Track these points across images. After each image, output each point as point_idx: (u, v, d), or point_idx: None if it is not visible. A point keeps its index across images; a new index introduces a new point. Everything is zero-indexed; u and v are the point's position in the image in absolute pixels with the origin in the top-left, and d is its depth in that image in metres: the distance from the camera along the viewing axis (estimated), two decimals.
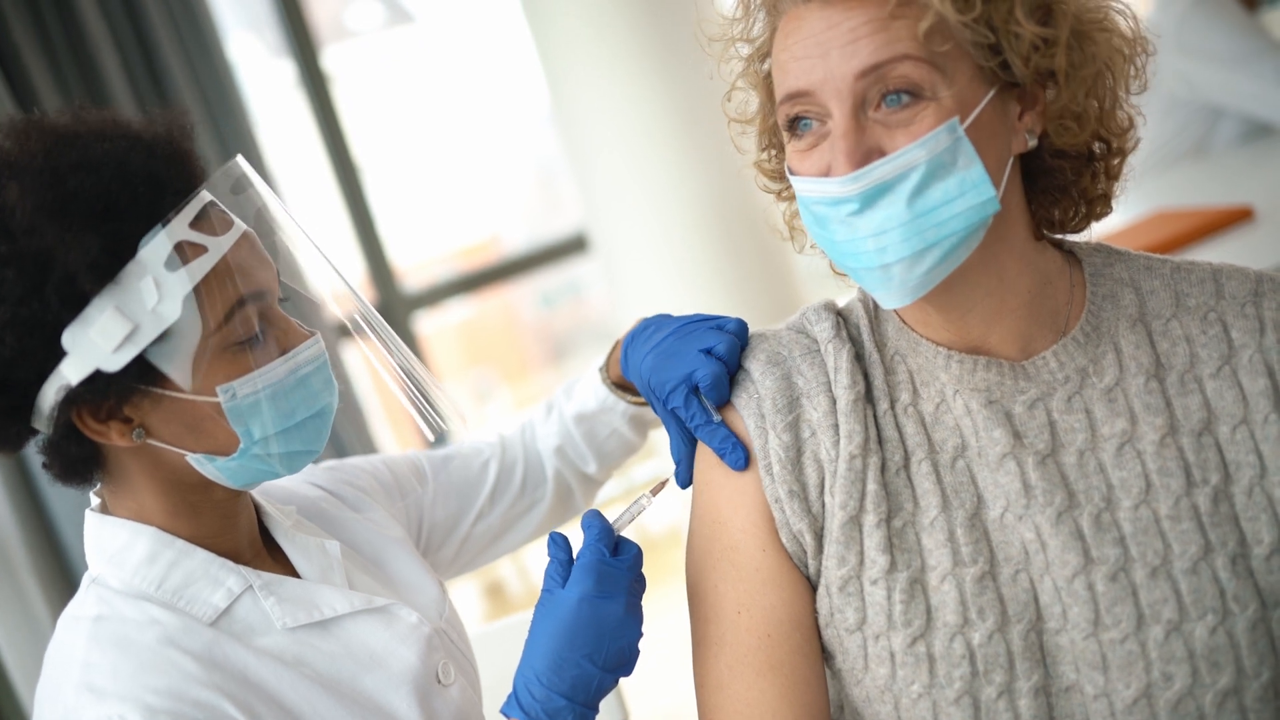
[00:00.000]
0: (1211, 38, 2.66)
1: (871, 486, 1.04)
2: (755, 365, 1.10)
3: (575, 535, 1.10)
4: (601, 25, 2.98)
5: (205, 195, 1.03)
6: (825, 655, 1.08)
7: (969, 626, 0.99)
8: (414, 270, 4.85)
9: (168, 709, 0.99)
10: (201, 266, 1.01)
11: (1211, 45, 2.66)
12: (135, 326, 0.98)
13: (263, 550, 1.16)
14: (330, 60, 3.88)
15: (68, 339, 0.98)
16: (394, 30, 5.75)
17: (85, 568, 1.11)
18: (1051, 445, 1.02)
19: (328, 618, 1.11)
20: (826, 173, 0.96)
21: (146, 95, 3.14)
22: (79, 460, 1.06)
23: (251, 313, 1.04)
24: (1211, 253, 2.14)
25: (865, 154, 0.94)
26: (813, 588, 1.07)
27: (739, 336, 1.13)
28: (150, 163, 1.01)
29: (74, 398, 1.00)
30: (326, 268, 1.14)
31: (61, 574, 2.70)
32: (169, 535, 1.08)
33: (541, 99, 3.76)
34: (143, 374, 1.01)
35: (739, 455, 1.08)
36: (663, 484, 1.16)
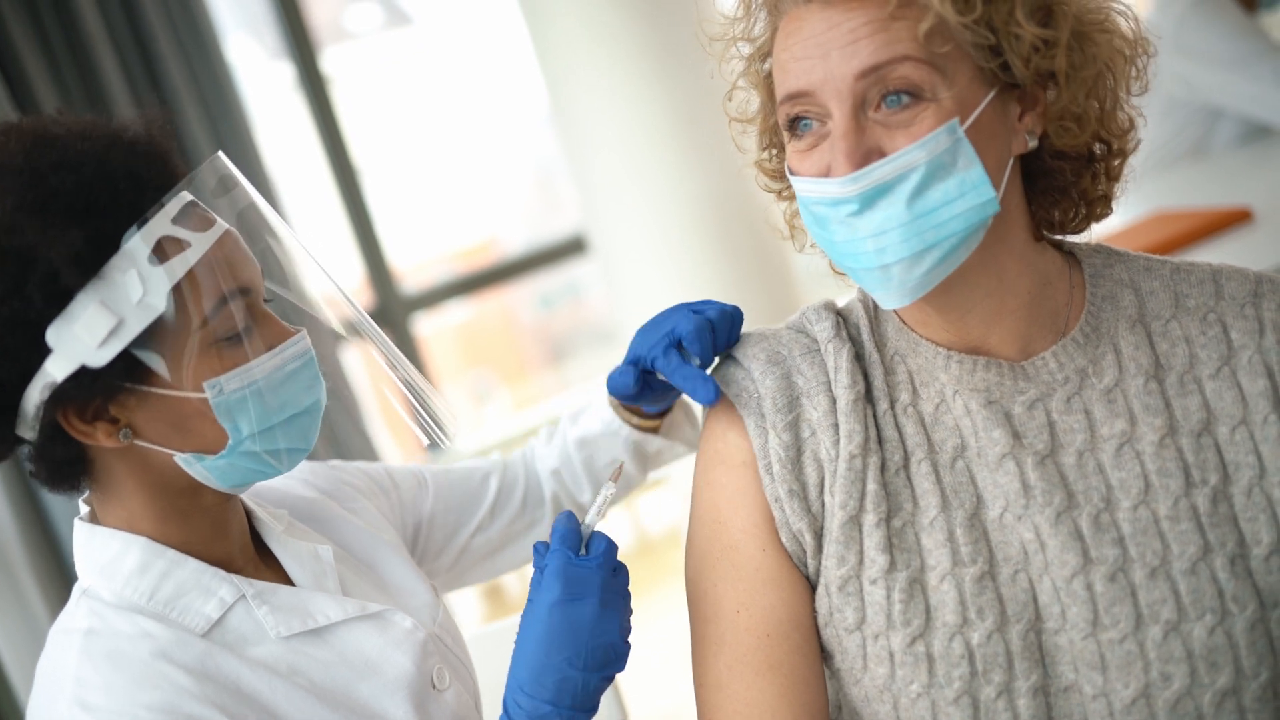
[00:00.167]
0: (1210, 39, 2.66)
1: (871, 486, 1.04)
2: (755, 365, 1.10)
3: None
4: (600, 27, 2.98)
5: (185, 195, 1.02)
6: (824, 655, 1.08)
7: (968, 626, 0.99)
8: (413, 272, 4.85)
9: None
10: (186, 260, 1.00)
11: (1210, 46, 2.66)
12: (120, 320, 0.97)
13: (255, 556, 1.15)
14: (329, 62, 3.88)
15: (52, 336, 0.97)
16: (392, 32, 5.75)
17: None
18: (1051, 446, 1.02)
19: (321, 625, 1.10)
20: (826, 173, 0.96)
21: (145, 97, 3.14)
22: (66, 463, 1.04)
23: (237, 308, 1.03)
24: (1210, 254, 2.14)
25: (865, 154, 0.94)
26: (812, 587, 1.07)
27: (732, 312, 1.16)
28: (131, 160, 1.01)
29: (59, 397, 0.99)
30: (311, 266, 1.13)
31: (60, 576, 2.70)
32: (160, 545, 1.06)
33: (540, 100, 3.76)
34: (129, 371, 0.99)
35: (709, 389, 1.10)
36: (619, 467, 1.16)
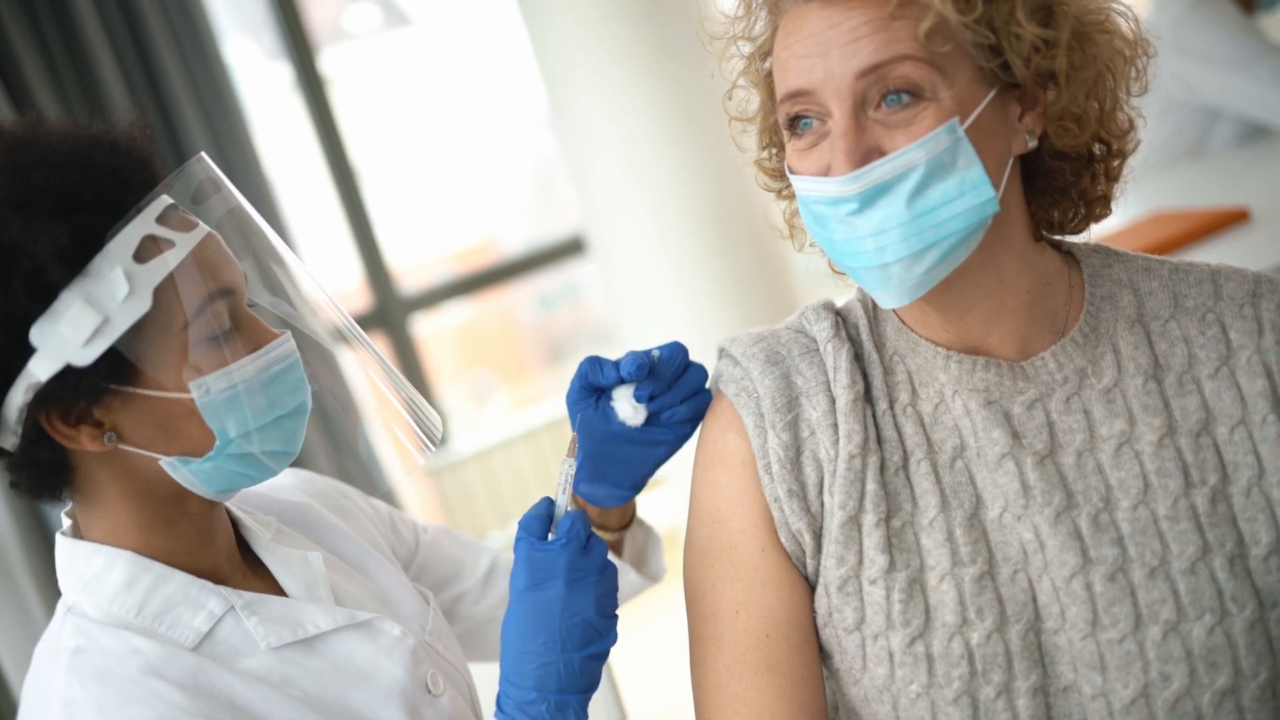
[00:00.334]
0: (1209, 39, 2.66)
1: (870, 486, 1.04)
2: (754, 365, 1.10)
3: None
4: (599, 27, 2.98)
5: (166, 199, 1.01)
6: (823, 655, 1.08)
7: (967, 626, 1.00)
8: (411, 272, 4.85)
9: None
10: (171, 259, 0.99)
11: (1209, 47, 2.66)
12: (105, 318, 0.96)
13: (243, 565, 1.13)
14: (327, 63, 3.88)
15: (36, 334, 0.96)
16: (391, 33, 5.74)
17: None
18: (1050, 446, 1.02)
19: (311, 635, 1.09)
20: (826, 172, 0.96)
21: (143, 98, 3.14)
22: (49, 468, 1.02)
23: (222, 308, 1.02)
24: (1208, 254, 2.14)
25: (865, 154, 0.94)
26: (811, 587, 1.07)
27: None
28: (114, 159, 1.00)
29: (43, 398, 0.97)
30: (297, 269, 1.12)
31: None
32: (145, 559, 1.04)
33: (539, 101, 3.76)
34: (114, 371, 0.98)
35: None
36: (573, 440, 1.14)
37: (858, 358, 1.08)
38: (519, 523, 1.07)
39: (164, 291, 0.99)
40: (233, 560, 1.12)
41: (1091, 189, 1.05)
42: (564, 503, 1.09)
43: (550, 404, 4.36)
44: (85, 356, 0.96)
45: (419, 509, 3.89)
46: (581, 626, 1.03)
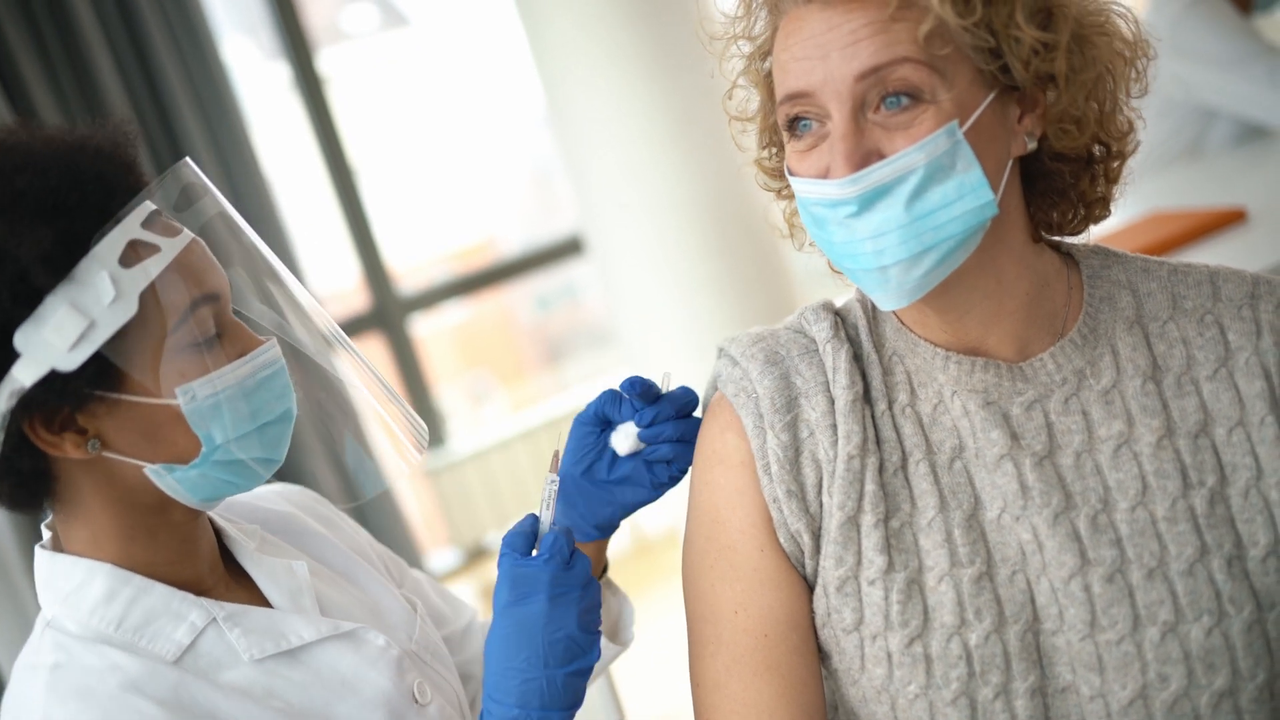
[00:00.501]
0: (1206, 40, 2.66)
1: (869, 487, 1.04)
2: (753, 365, 1.10)
3: None
4: (597, 27, 2.98)
5: (149, 205, 1.00)
6: (822, 655, 1.08)
7: (966, 627, 1.00)
8: (410, 273, 4.84)
9: None
10: (156, 264, 0.98)
11: (1206, 47, 2.67)
12: (91, 323, 0.95)
13: (226, 576, 1.11)
14: (325, 63, 3.88)
15: (20, 339, 0.94)
16: (389, 33, 5.74)
17: None
18: (1049, 446, 1.03)
19: (295, 646, 1.08)
20: (825, 174, 0.96)
21: (141, 98, 3.14)
22: (30, 476, 1.00)
23: (207, 314, 1.01)
24: (1205, 254, 2.14)
25: (864, 156, 0.94)
26: (810, 588, 1.08)
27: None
28: (98, 164, 0.99)
29: (27, 404, 0.96)
30: (283, 275, 1.11)
31: None
32: (125, 571, 1.03)
33: (537, 101, 3.76)
34: (99, 377, 0.97)
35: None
36: (555, 455, 1.15)
37: (857, 358, 1.08)
38: (503, 539, 1.06)
39: (150, 296, 0.98)
40: (216, 571, 1.11)
41: (1091, 190, 1.05)
42: (548, 519, 1.08)
43: (549, 404, 4.36)
44: (70, 362, 0.95)
45: (417, 509, 3.89)
46: (564, 642, 1.02)
